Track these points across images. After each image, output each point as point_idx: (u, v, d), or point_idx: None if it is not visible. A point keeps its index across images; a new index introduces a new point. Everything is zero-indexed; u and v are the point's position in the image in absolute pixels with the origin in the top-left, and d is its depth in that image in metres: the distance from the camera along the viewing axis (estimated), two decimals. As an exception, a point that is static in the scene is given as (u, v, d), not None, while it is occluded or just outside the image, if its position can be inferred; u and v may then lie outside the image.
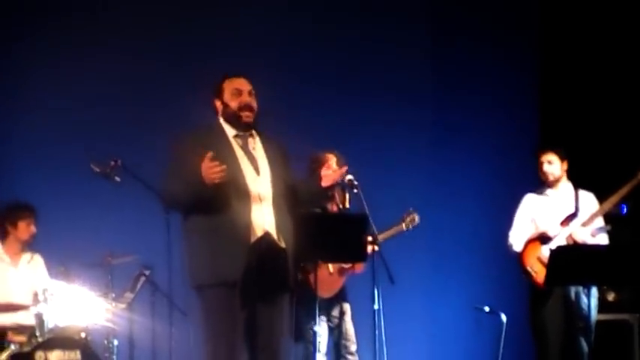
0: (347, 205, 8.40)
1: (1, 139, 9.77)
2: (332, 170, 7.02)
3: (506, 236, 8.98)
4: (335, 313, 8.86)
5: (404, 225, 8.89)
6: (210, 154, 6.52)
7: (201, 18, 10.44)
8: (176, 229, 7.88)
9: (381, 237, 8.54)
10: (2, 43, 10.03)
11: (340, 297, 8.88)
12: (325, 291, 8.59)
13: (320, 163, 7.60)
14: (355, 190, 7.52)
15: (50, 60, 9.98)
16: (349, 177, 7.59)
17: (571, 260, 8.16)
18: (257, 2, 10.57)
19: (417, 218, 8.90)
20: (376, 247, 8.43)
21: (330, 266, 8.69)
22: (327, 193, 7.61)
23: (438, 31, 11.07)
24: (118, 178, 8.59)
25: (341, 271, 8.76)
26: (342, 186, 7.69)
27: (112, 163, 8.55)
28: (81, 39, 10.12)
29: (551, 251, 8.24)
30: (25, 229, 8.96)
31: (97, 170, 8.58)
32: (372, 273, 8.33)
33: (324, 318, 8.78)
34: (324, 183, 6.94)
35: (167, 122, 9.11)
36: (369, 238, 8.42)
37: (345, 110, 10.57)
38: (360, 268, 8.74)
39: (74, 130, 9.86)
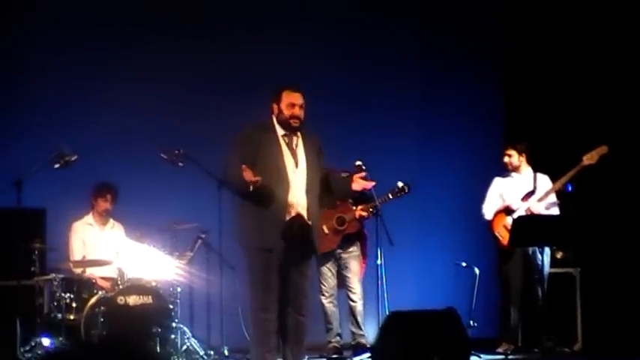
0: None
1: (95, 134, 9.83)
2: (363, 179, 7.40)
3: (479, 209, 9.43)
4: (330, 264, 9.25)
5: (390, 194, 8.97)
6: (245, 167, 6.92)
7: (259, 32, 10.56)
8: (225, 203, 8.45)
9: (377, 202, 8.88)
10: (79, 47, 10.17)
11: (338, 253, 9.25)
12: (322, 247, 8.72)
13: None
14: (364, 174, 7.69)
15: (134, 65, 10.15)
16: (358, 163, 8.01)
17: (528, 227, 8.64)
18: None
19: (406, 188, 8.98)
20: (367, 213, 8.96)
21: (325, 227, 9.02)
22: (354, 193, 7.76)
23: (424, 45, 11.18)
24: (181, 164, 9.00)
25: (335, 232, 9.12)
26: (367, 194, 8.06)
27: (177, 151, 8.95)
28: (153, 43, 10.30)
29: (513, 220, 8.86)
30: (101, 204, 9.30)
31: (165, 157, 9.00)
32: (375, 237, 8.89)
33: (326, 269, 9.23)
34: (355, 187, 7.40)
35: (221, 118, 9.63)
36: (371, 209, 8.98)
37: (350, 111, 10.69)
38: (351, 229, 9.12)
39: (149, 126, 9.99)
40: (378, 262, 8.90)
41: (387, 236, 8.82)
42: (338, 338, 9.35)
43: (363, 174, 7.49)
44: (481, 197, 9.52)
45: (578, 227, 8.90)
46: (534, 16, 10.85)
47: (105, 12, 10.32)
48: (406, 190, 9.02)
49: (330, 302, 9.30)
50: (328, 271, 9.28)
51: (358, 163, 8.10)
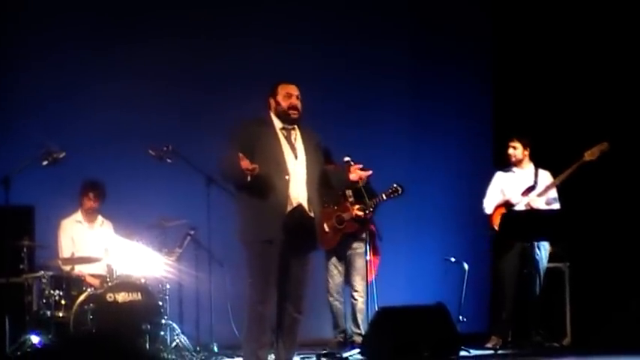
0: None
1: (84, 131, 9.74)
2: (359, 169, 7.41)
3: (469, 206, 9.51)
4: (335, 261, 9.31)
5: (384, 195, 9.01)
6: (242, 155, 6.91)
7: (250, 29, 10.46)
8: (214, 199, 8.64)
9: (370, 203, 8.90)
10: (68, 45, 10.07)
11: (341, 250, 9.28)
12: (324, 244, 8.89)
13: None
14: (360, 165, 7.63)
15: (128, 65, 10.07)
16: (347, 158, 8.13)
17: (516, 223, 8.77)
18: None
19: (400, 190, 8.99)
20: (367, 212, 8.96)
21: (326, 225, 9.04)
22: (352, 184, 7.75)
23: (416, 44, 11.17)
24: (169, 160, 8.97)
25: (335, 230, 9.16)
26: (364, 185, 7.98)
27: (165, 148, 8.93)
28: (142, 38, 10.19)
29: (502, 215, 8.88)
30: (86, 202, 9.26)
31: (153, 154, 8.96)
32: (365, 233, 8.96)
33: (332, 266, 9.29)
34: (352, 177, 7.40)
35: (213, 116, 9.63)
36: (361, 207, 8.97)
37: (344, 108, 10.67)
38: (350, 228, 9.16)
39: (138, 123, 9.91)
40: (368, 257, 8.90)
41: (377, 232, 8.83)
42: (343, 334, 9.38)
43: (360, 165, 7.50)
44: (471, 194, 9.54)
45: (567, 222, 8.89)
46: (525, 15, 10.82)
47: (93, 9, 10.25)
48: (400, 192, 9.02)
49: (336, 300, 9.34)
50: (335, 269, 9.33)
51: (347, 158, 8.15)
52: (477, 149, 10.80)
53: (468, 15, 11.19)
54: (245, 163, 6.94)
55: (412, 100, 11.17)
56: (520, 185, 9.32)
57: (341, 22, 10.88)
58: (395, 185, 9.02)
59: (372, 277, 9.04)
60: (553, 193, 9.26)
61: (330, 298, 9.33)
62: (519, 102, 10.74)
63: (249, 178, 7.00)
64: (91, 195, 9.25)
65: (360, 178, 7.46)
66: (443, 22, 11.15)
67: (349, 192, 9.18)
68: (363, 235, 9.16)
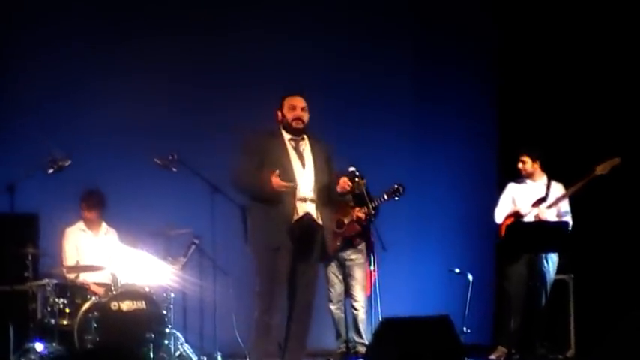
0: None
1: (88, 138, 9.74)
2: (345, 183, 7.50)
3: (473, 214, 9.56)
4: (335, 270, 9.27)
5: (385, 195, 8.99)
6: (277, 172, 7.14)
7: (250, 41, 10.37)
8: (219, 208, 8.62)
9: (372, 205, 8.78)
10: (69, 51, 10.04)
11: (341, 259, 9.23)
12: None
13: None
14: (357, 179, 7.72)
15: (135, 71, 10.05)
16: (352, 169, 7.90)
17: (520, 234, 8.82)
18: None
19: (401, 190, 8.99)
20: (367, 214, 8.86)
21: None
22: (343, 196, 7.88)
23: (418, 45, 11.12)
24: (174, 169, 8.96)
25: (334, 235, 8.91)
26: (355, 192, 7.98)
27: (170, 157, 8.92)
28: (146, 45, 10.18)
29: (506, 227, 8.92)
30: (83, 213, 9.29)
31: (159, 163, 8.95)
32: (368, 242, 8.98)
33: (332, 275, 9.25)
34: (338, 189, 7.52)
35: (215, 125, 9.71)
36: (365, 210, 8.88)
37: (346, 108, 10.55)
38: (350, 231, 9.14)
39: (143, 130, 9.85)
40: (371, 268, 8.91)
41: (380, 241, 8.80)
42: (345, 344, 9.34)
43: (360, 179, 7.60)
44: (474, 197, 9.67)
45: (570, 235, 8.91)
46: (528, 15, 10.78)
47: (95, 7, 10.23)
48: (401, 192, 9.01)
49: (338, 309, 9.32)
50: (335, 278, 9.29)
51: (352, 169, 8.01)
52: (479, 150, 10.80)
53: (470, 15, 11.14)
54: (276, 181, 7.15)
55: (414, 100, 11.12)
56: (531, 196, 9.31)
57: (343, 22, 10.87)
58: (396, 185, 9.01)
59: (368, 291, 9.01)
60: (565, 206, 9.25)
61: (332, 307, 9.30)
62: (522, 102, 10.68)
63: (277, 193, 7.20)
64: (84, 206, 9.27)
65: (344, 189, 7.53)
66: (445, 22, 11.12)
67: (349, 197, 9.01)
68: (361, 246, 9.16)
